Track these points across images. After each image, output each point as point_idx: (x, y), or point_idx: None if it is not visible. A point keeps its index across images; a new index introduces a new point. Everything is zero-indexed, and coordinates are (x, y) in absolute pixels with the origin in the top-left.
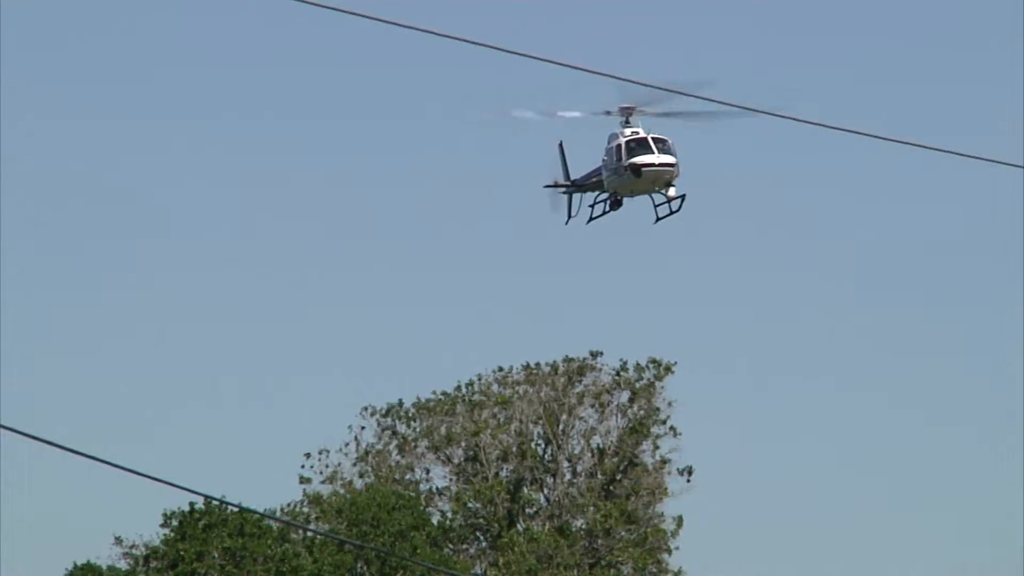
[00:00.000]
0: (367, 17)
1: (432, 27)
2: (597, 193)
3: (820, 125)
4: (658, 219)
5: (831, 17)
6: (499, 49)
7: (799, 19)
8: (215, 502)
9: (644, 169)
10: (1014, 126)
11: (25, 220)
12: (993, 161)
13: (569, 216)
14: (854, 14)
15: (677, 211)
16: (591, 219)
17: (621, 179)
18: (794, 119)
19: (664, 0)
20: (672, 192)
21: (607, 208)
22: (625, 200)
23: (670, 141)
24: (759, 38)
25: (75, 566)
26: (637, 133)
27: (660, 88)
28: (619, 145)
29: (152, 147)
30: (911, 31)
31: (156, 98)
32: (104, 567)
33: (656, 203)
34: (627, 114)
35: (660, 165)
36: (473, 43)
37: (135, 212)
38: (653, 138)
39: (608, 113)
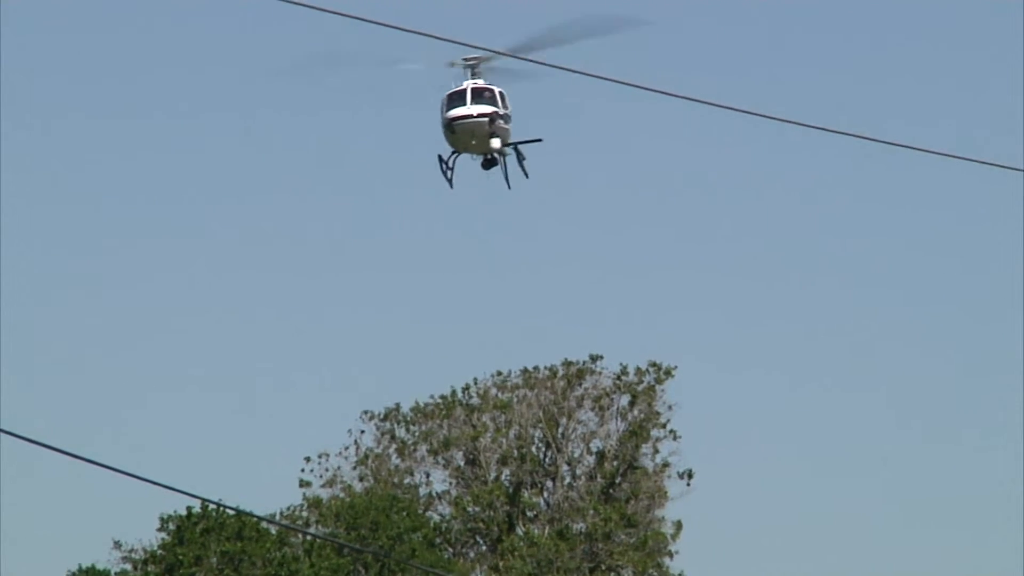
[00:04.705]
0: None
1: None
2: (452, 152)
3: (820, 128)
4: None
5: (831, 17)
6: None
7: (799, 18)
8: (212, 506)
9: (455, 124)
10: (1014, 128)
11: (25, 220)
12: (993, 164)
13: (450, 180)
14: (855, 14)
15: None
16: (450, 180)
17: (447, 137)
18: (793, 122)
19: None
20: (495, 144)
21: (458, 168)
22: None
23: (497, 91)
24: (759, 37)
25: (80, 568)
26: (477, 84)
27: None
28: (441, 100)
29: (151, 147)
30: (910, 31)
31: (155, 98)
32: (110, 572)
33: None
34: (472, 64)
35: (475, 116)
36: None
37: (135, 212)
38: (473, 88)
39: (452, 65)
